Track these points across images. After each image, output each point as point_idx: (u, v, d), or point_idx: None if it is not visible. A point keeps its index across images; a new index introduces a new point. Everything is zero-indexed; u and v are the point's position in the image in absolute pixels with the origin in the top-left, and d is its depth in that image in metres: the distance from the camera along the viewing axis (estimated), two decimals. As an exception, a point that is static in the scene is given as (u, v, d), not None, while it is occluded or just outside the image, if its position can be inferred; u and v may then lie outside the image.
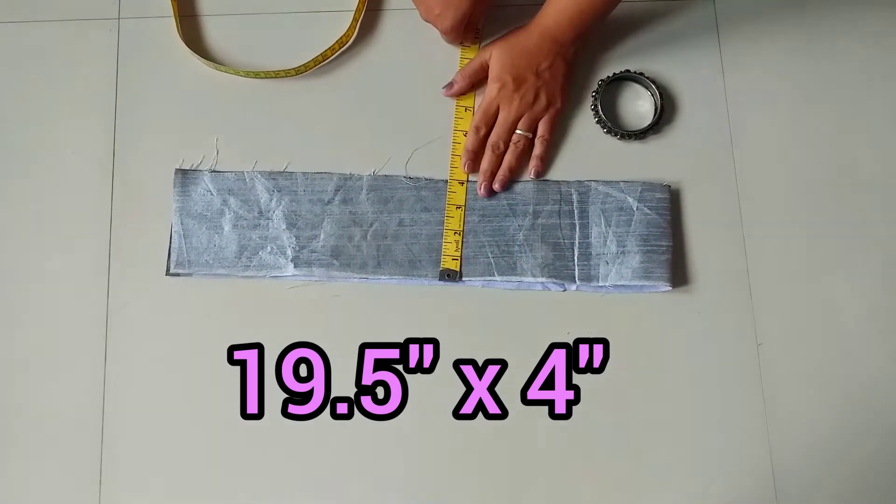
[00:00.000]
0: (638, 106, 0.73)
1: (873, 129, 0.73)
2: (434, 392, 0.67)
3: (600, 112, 0.71)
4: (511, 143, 0.70)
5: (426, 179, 0.71)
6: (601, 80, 0.72)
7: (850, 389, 0.68)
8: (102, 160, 0.72)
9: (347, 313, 0.69)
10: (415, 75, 0.74)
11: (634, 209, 0.69)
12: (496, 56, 0.70)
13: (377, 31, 0.75)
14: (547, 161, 0.71)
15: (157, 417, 0.67)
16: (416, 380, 0.68)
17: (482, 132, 0.70)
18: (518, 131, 0.70)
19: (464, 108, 0.72)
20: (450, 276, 0.69)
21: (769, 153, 0.72)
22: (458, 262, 0.69)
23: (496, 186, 0.70)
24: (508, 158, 0.70)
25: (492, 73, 0.70)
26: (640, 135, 0.71)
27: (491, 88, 0.70)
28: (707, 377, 0.68)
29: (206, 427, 0.67)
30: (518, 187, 0.70)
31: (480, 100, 0.72)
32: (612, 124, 0.71)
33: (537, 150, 0.70)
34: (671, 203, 0.70)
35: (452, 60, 0.74)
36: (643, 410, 0.67)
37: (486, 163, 0.70)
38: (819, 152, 0.72)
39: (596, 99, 0.72)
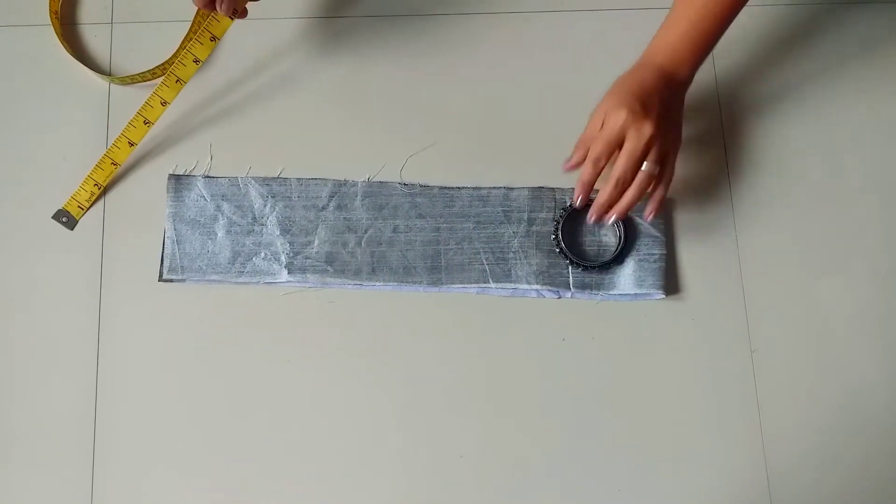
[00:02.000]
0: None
1: (864, 137, 0.73)
2: (434, 396, 0.67)
3: (562, 244, 0.68)
4: (637, 181, 0.62)
5: (421, 186, 0.71)
6: (562, 209, 0.68)
7: (843, 395, 0.68)
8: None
9: (342, 320, 0.68)
10: (410, 81, 0.73)
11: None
12: (614, 92, 0.63)
13: (371, 38, 0.75)
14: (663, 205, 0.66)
15: (150, 423, 0.67)
16: (416, 383, 0.68)
17: (602, 164, 0.63)
18: (646, 165, 0.62)
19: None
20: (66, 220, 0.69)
21: (762, 161, 0.73)
22: (83, 212, 0.69)
23: (609, 222, 0.64)
24: (631, 196, 0.63)
25: (613, 102, 0.62)
26: (604, 267, 0.68)
27: (616, 117, 0.61)
28: (701, 384, 0.68)
29: (199, 432, 0.66)
30: (513, 194, 0.70)
31: (603, 129, 0.62)
32: (574, 256, 0.68)
33: (660, 192, 0.64)
34: (665, 211, 0.70)
35: (457, 63, 0.74)
36: (637, 417, 0.67)
37: (604, 195, 0.63)
38: (811, 160, 0.73)
39: (557, 229, 0.68)
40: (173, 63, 0.69)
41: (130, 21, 0.74)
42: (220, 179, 0.70)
